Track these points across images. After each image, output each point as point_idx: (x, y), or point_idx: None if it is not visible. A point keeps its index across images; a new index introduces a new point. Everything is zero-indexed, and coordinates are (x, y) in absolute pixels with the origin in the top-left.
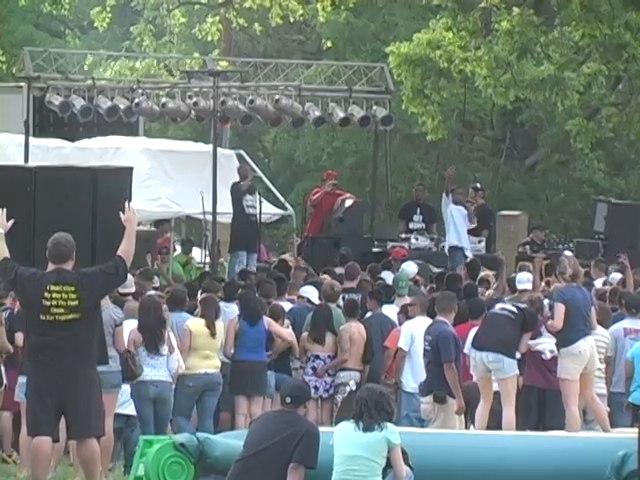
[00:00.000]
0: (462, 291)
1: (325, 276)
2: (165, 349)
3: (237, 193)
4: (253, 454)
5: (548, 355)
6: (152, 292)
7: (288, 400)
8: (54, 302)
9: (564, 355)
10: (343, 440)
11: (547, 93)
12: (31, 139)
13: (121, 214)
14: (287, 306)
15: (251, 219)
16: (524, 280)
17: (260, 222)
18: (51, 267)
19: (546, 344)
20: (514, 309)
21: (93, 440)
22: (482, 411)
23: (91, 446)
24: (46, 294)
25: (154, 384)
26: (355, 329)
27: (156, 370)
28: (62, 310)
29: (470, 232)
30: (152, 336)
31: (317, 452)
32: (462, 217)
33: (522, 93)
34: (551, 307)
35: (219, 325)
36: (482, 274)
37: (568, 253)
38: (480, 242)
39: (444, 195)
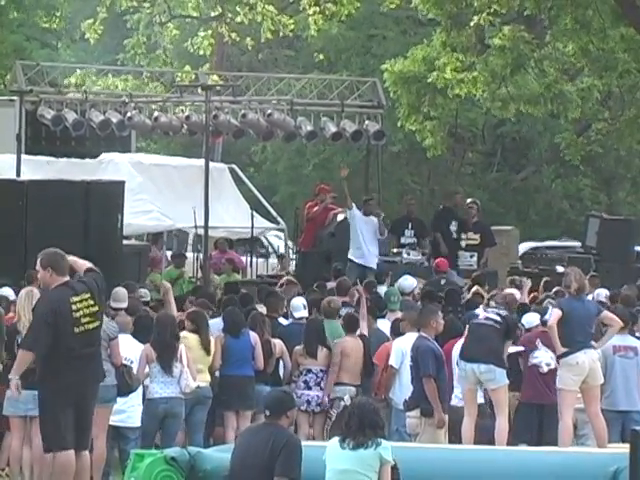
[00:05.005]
0: (464, 306)
1: None
2: (178, 367)
3: None
4: (240, 470)
5: (545, 368)
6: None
7: (267, 412)
8: (81, 312)
9: (562, 365)
10: (335, 454)
11: (549, 105)
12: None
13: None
14: (282, 320)
15: None
16: (532, 322)
17: (253, 237)
18: (58, 280)
19: (542, 357)
20: (498, 318)
21: (87, 451)
22: (468, 426)
23: (87, 457)
24: (73, 306)
25: (164, 401)
26: (350, 343)
27: (166, 387)
28: (89, 318)
29: (465, 248)
30: (166, 354)
31: (299, 462)
32: (373, 230)
33: (522, 107)
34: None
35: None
36: (474, 289)
37: (560, 268)
38: (472, 257)
39: (351, 209)
